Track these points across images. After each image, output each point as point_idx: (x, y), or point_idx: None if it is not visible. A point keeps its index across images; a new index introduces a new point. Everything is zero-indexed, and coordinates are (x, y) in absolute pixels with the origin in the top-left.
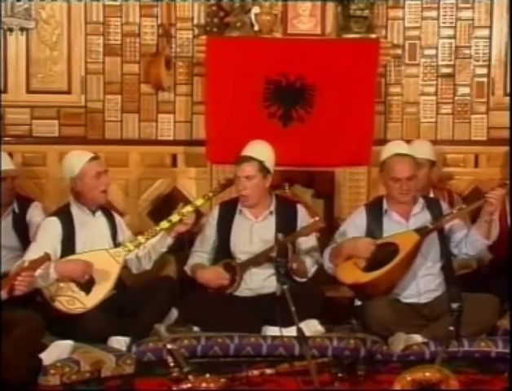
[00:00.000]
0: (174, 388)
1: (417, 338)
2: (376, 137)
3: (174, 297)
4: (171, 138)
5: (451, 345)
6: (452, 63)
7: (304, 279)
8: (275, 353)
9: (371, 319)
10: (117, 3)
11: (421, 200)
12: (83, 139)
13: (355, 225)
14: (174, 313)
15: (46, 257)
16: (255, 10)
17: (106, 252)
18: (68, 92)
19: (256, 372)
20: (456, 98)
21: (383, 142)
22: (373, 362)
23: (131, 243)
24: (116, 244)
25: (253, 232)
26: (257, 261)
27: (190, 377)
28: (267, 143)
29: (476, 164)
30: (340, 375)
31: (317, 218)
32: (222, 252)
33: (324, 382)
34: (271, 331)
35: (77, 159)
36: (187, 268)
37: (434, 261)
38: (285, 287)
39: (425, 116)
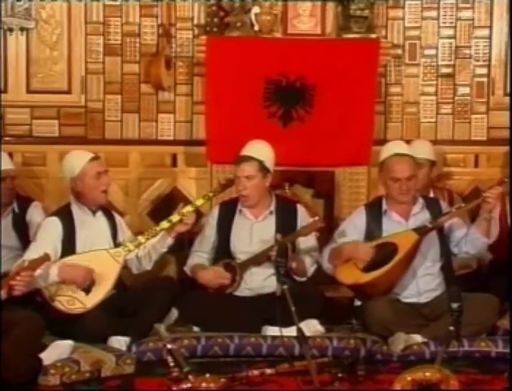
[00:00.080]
0: (174, 388)
1: (417, 338)
2: (376, 137)
3: (174, 297)
4: (171, 138)
5: (451, 345)
6: (452, 63)
7: (303, 279)
8: (275, 353)
9: (371, 319)
10: (117, 3)
11: (420, 200)
12: (83, 139)
13: (354, 225)
14: (174, 313)
15: (46, 258)
16: (255, 10)
17: (106, 252)
18: (68, 92)
19: (256, 372)
20: (456, 98)
21: (383, 142)
22: (373, 362)
23: (131, 243)
24: (117, 244)
25: (253, 232)
26: (257, 260)
27: (190, 377)
28: (267, 143)
29: (476, 164)
30: (340, 375)
31: (316, 218)
32: (222, 252)
33: (324, 382)
34: (271, 331)
35: (78, 159)
36: (186, 268)
37: (434, 261)
38: (285, 287)
39: (425, 116)
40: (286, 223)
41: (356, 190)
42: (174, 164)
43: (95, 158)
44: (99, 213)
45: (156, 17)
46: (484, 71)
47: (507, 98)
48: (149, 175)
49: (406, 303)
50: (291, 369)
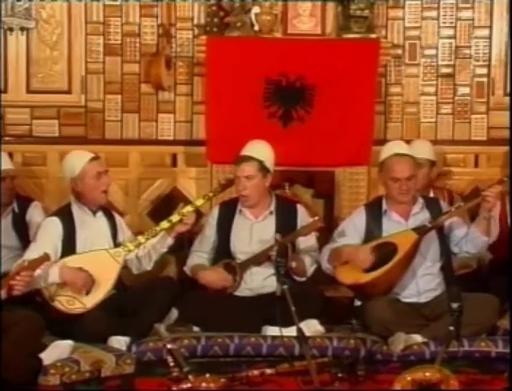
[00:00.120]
0: (174, 388)
1: (417, 338)
2: (376, 137)
3: (174, 297)
4: (171, 137)
5: (451, 345)
6: (452, 63)
7: (303, 279)
8: (275, 353)
9: (371, 319)
10: (117, 3)
11: (420, 200)
12: (83, 139)
13: (354, 225)
14: (174, 313)
15: (46, 257)
16: (255, 10)
17: (106, 252)
18: (69, 92)
19: (256, 372)
20: (456, 98)
21: (383, 142)
22: (373, 362)
23: (131, 243)
24: (117, 244)
25: (253, 232)
26: (257, 260)
27: (190, 377)
28: (267, 143)
29: (476, 164)
30: (340, 375)
31: (316, 218)
32: (222, 252)
33: (324, 382)
34: (271, 331)
35: (78, 159)
36: (186, 268)
37: (434, 261)
38: (285, 287)
39: (425, 116)
40: (286, 223)
41: (356, 190)
42: (174, 164)
43: (96, 158)
44: (100, 213)
45: (157, 17)
46: (484, 71)
47: (507, 98)
48: (149, 175)
49: (406, 303)
50: (291, 369)
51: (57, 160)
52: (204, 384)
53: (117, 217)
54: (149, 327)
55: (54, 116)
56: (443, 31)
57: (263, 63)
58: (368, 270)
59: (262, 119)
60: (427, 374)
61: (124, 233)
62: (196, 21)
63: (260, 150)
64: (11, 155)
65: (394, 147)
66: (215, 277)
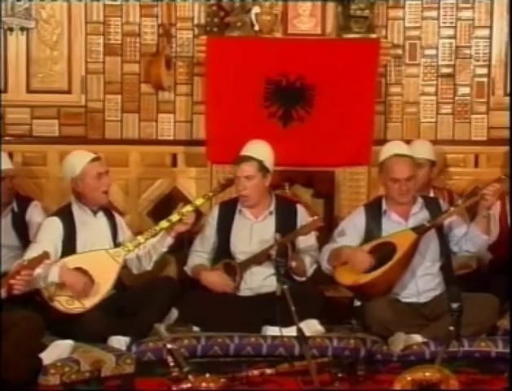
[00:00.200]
0: (174, 388)
1: (417, 338)
2: (376, 137)
3: (174, 297)
4: (171, 137)
5: (451, 345)
6: (452, 63)
7: (303, 278)
8: (275, 353)
9: (371, 319)
10: (118, 3)
11: (420, 200)
12: (83, 139)
13: (354, 224)
14: (174, 313)
15: (45, 256)
16: (255, 10)
17: (106, 252)
18: (69, 92)
19: (256, 372)
20: (457, 98)
21: (383, 142)
22: (373, 362)
23: (131, 243)
24: (117, 244)
25: (253, 232)
26: (257, 260)
27: (190, 377)
28: (267, 143)
29: (476, 164)
30: (340, 375)
31: (316, 217)
32: (222, 252)
33: (324, 382)
34: (271, 331)
35: (79, 159)
36: (187, 268)
37: (434, 261)
38: (285, 286)
39: (425, 116)
40: (286, 223)
41: (356, 190)
42: (174, 164)
43: (96, 158)
44: (100, 214)
45: (157, 17)
46: (484, 71)
47: (507, 98)
48: (149, 175)
49: (406, 303)
50: (291, 369)
51: (57, 160)
52: (204, 384)
53: (118, 217)
54: (149, 327)
55: (54, 116)
56: (443, 31)
57: (263, 63)
58: (367, 271)
59: (262, 119)
60: (427, 374)
61: (124, 233)
62: (196, 21)
63: (260, 150)
64: (11, 155)
65: (393, 148)
66: (217, 280)
